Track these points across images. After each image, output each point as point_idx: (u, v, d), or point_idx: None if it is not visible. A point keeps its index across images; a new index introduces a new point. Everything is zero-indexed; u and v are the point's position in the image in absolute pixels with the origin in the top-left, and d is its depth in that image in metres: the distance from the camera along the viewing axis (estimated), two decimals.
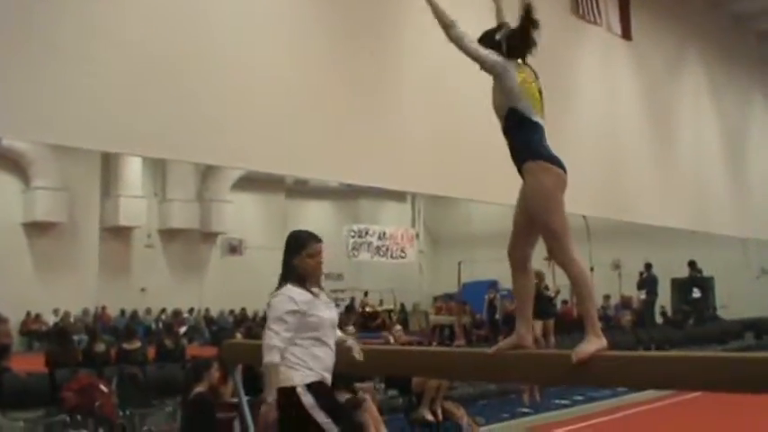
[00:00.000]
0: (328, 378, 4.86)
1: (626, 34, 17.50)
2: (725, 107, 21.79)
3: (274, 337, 4.68)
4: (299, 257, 4.91)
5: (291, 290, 4.82)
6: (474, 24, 4.65)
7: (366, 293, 27.92)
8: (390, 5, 12.36)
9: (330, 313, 4.96)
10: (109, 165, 29.04)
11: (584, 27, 16.32)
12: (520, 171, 4.53)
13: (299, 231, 5.13)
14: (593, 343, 4.26)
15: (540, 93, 4.64)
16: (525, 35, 4.58)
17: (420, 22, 12.66)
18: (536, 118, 4.55)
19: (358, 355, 5.10)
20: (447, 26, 4.46)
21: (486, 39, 4.67)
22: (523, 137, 4.51)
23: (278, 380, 4.66)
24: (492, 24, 4.80)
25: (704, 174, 20.36)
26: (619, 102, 17.43)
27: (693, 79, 20.56)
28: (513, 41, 4.58)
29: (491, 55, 4.51)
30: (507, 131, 4.59)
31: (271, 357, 4.66)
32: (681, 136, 19.70)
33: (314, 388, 4.70)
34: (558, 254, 4.43)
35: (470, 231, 33.16)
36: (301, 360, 4.74)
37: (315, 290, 4.92)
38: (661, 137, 18.72)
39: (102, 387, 10.07)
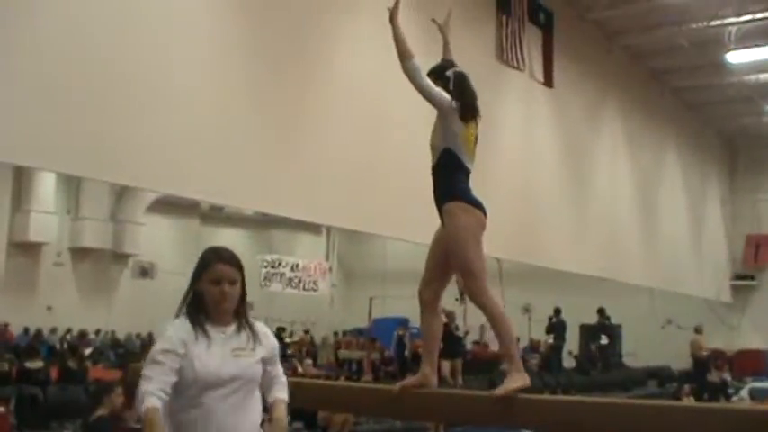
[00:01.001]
0: None
1: (548, 82, 17.80)
2: (639, 158, 22.27)
3: (144, 383, 3.53)
4: (201, 282, 3.75)
5: (174, 324, 3.72)
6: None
7: (307, 331, 27.72)
8: (317, 34, 12.36)
9: (225, 366, 3.66)
10: (21, 178, 28.44)
11: (507, 72, 16.55)
12: (440, 211, 4.59)
13: (209, 249, 3.90)
14: (517, 380, 4.29)
15: (476, 139, 4.72)
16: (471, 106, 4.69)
17: (348, 52, 12.77)
18: (467, 163, 4.64)
19: None
20: (406, 57, 4.50)
21: (437, 72, 4.73)
22: (449, 179, 4.59)
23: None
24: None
25: (617, 223, 20.74)
26: (537, 148, 17.68)
27: (611, 129, 20.98)
28: (464, 103, 4.65)
29: (441, 93, 4.57)
30: (436, 170, 4.64)
31: (145, 403, 3.48)
32: (596, 184, 20.06)
33: None
34: (474, 294, 4.47)
35: (384, 268, 33.13)
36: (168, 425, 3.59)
37: (216, 328, 3.72)
38: (577, 184, 19.03)
39: None
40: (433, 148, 4.68)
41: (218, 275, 3.70)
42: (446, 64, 4.86)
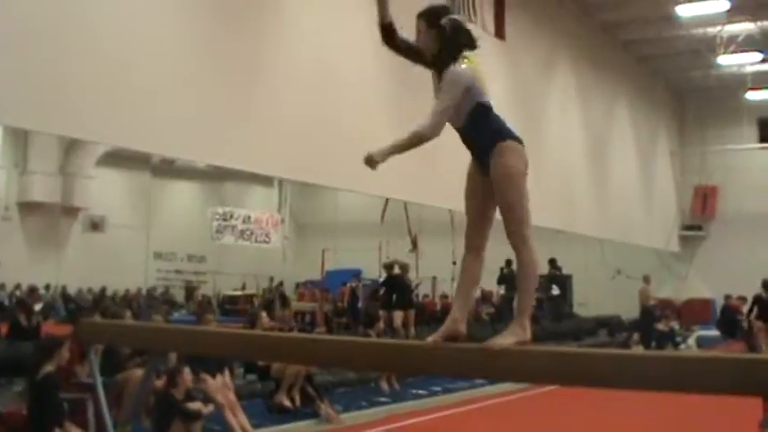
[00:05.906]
0: None
1: (500, 34, 17.77)
2: (591, 111, 22.40)
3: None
4: None
5: None
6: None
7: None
8: None
9: None
10: None
11: None
12: (483, 157, 4.46)
13: None
14: (516, 334, 4.25)
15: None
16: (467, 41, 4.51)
17: (298, 6, 12.66)
18: (492, 103, 4.53)
19: None
20: (419, 138, 4.35)
21: (430, 17, 4.51)
22: (492, 124, 4.48)
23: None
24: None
25: (568, 175, 20.87)
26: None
27: (562, 82, 21.06)
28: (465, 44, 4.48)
29: (459, 87, 4.37)
30: (473, 126, 4.49)
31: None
32: (548, 137, 20.14)
33: None
34: (514, 237, 4.38)
35: (336, 220, 33.23)
36: None
37: None
38: (529, 137, 18.77)
39: None
40: (457, 113, 4.46)
41: None
42: (440, 9, 4.59)
